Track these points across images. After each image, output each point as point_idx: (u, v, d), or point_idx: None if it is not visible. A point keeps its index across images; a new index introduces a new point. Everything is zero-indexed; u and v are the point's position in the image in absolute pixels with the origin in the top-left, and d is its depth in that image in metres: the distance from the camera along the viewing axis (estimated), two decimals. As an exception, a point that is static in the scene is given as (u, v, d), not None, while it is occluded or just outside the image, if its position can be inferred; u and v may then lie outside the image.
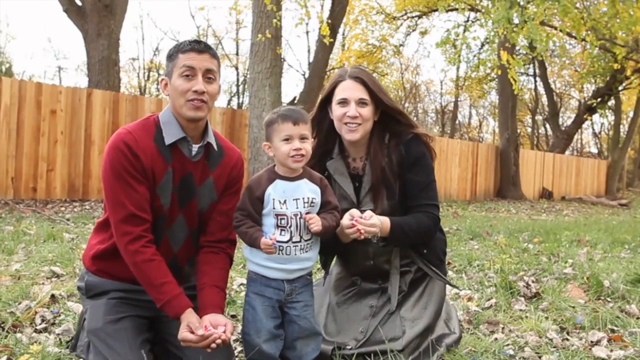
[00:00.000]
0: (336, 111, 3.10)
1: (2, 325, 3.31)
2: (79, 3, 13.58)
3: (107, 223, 2.76)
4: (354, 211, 2.87)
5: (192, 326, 2.53)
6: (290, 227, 2.66)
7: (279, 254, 2.66)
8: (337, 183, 3.15)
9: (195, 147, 2.76)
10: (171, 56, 2.69)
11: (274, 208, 2.65)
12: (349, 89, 3.07)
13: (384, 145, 3.15)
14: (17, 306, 3.67)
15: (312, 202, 2.69)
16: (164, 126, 2.72)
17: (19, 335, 3.17)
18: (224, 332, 2.53)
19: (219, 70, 2.77)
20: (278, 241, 2.63)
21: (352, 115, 3.03)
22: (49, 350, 2.90)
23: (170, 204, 2.74)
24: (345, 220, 2.83)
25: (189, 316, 2.57)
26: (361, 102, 3.06)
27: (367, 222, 2.80)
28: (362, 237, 2.80)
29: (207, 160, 2.81)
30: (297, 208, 2.67)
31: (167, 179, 2.70)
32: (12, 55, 34.99)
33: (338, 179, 3.16)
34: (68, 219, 8.62)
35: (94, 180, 11.91)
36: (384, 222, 2.93)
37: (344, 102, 3.07)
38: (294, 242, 2.67)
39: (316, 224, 2.63)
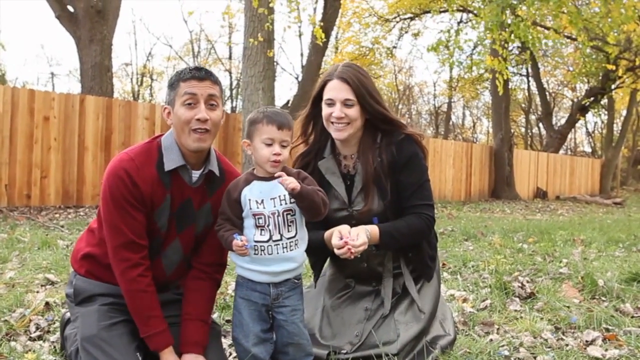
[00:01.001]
0: (324, 111, 3.13)
1: (-3, 333, 3.30)
2: (71, 9, 13.57)
3: (99, 229, 2.78)
4: (343, 228, 2.88)
5: None
6: (268, 225, 2.64)
7: (260, 254, 2.65)
8: (329, 183, 3.15)
9: (195, 174, 2.76)
10: (172, 85, 2.68)
11: (250, 208, 2.65)
12: (335, 90, 3.08)
13: (375, 145, 3.15)
14: (11, 314, 3.66)
15: (290, 200, 2.67)
16: (165, 152, 2.71)
17: (13, 343, 3.16)
18: None
19: (222, 96, 2.76)
20: (257, 241, 2.64)
21: (337, 116, 3.05)
22: (43, 358, 2.89)
23: (168, 229, 2.74)
24: (335, 240, 2.84)
25: (167, 355, 2.64)
26: (346, 103, 3.06)
27: (356, 243, 2.80)
28: (352, 257, 2.81)
29: (206, 185, 2.80)
30: (275, 207, 2.65)
31: (165, 205, 2.70)
32: (5, 62, 34.92)
33: (330, 179, 3.17)
34: (62, 226, 8.60)
35: (88, 186, 11.89)
36: (372, 231, 2.95)
37: (330, 102, 3.09)
38: (274, 241, 2.65)
39: (292, 182, 2.59)
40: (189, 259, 2.86)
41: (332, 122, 3.08)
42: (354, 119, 3.07)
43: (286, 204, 2.66)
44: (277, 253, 2.66)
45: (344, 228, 2.88)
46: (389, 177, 3.09)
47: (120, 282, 2.65)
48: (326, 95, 3.11)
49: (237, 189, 2.68)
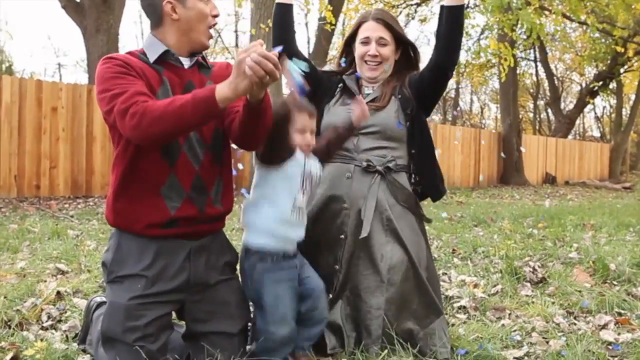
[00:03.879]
0: (358, 49, 3.26)
1: (9, 323, 3.31)
2: (77, -1, 13.57)
3: (120, 156, 2.61)
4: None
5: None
6: (306, 190, 2.71)
7: (296, 218, 2.68)
8: (347, 87, 3.28)
9: (185, 60, 2.67)
10: None
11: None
12: (370, 29, 3.22)
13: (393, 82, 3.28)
14: (23, 304, 3.67)
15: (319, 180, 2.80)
16: (147, 49, 2.63)
17: (25, 333, 3.17)
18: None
19: None
20: (298, 206, 2.68)
21: (372, 54, 3.20)
22: (55, 346, 2.90)
23: None
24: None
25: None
26: (381, 42, 3.20)
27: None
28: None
29: (200, 71, 2.72)
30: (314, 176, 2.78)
31: (164, 90, 2.57)
32: (12, 53, 34.92)
33: (348, 84, 3.29)
34: (72, 216, 8.62)
35: (97, 176, 11.91)
36: None
37: (366, 41, 3.22)
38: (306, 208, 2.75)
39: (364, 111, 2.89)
40: (215, 153, 2.70)
41: (366, 61, 3.22)
42: (386, 57, 3.22)
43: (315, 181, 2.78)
44: (304, 221, 2.74)
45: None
46: (408, 91, 3.20)
47: (132, 129, 2.36)
48: (361, 34, 3.25)
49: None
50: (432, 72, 3.14)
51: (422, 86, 3.16)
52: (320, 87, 3.26)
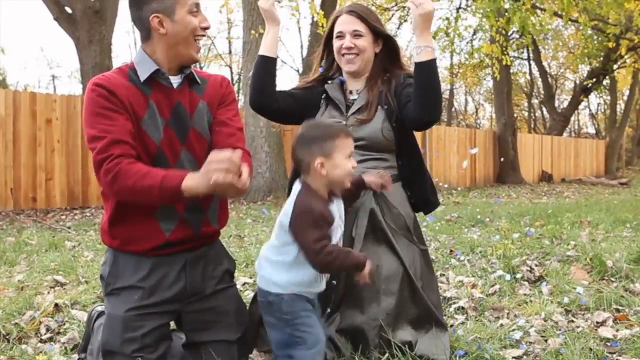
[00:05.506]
0: (335, 44, 3.19)
1: (7, 337, 3.30)
2: (69, 11, 13.55)
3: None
4: None
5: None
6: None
7: (322, 280, 2.56)
8: (329, 97, 3.20)
9: (175, 79, 2.65)
10: None
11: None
12: (344, 23, 3.16)
13: (384, 77, 3.20)
14: (21, 317, 3.66)
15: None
16: (137, 66, 2.60)
17: (24, 346, 3.17)
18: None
19: None
20: None
21: (347, 46, 3.11)
22: (54, 359, 2.90)
23: (167, 139, 2.59)
24: None
25: (189, 179, 2.35)
26: (355, 34, 3.12)
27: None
28: None
29: (191, 88, 2.69)
30: (341, 228, 2.58)
31: (151, 114, 2.56)
32: (6, 66, 34.95)
33: (332, 94, 3.20)
34: (69, 227, 8.62)
35: (93, 187, 11.89)
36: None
37: (340, 35, 3.16)
38: None
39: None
40: None
41: (343, 54, 3.15)
42: (363, 49, 3.13)
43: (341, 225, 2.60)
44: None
45: None
46: (393, 101, 3.10)
47: (105, 184, 2.44)
48: (336, 29, 3.18)
49: (324, 204, 2.45)
50: (413, 123, 3.01)
51: (404, 119, 3.04)
52: (306, 107, 3.18)
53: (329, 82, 3.29)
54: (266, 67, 3.09)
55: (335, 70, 3.31)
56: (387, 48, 3.25)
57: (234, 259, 2.95)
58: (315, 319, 2.52)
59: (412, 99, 2.93)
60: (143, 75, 2.58)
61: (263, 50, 3.09)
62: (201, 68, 34.29)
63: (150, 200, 2.45)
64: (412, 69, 3.09)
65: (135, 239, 2.62)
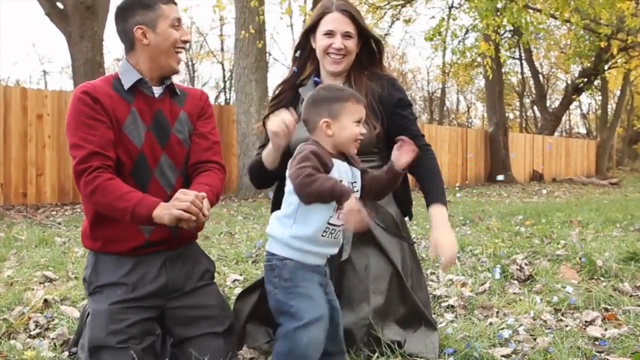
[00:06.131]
0: (321, 41, 3.08)
1: (-4, 332, 3.30)
2: (61, 6, 13.50)
3: None
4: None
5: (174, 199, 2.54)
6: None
7: (327, 237, 2.42)
8: None
9: (157, 89, 2.79)
10: (148, 5, 2.68)
11: None
12: (335, 21, 3.05)
13: (365, 77, 3.15)
14: (10, 313, 3.65)
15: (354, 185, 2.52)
16: (121, 76, 2.74)
17: (12, 341, 3.16)
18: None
19: None
20: (331, 224, 2.41)
21: (337, 47, 3.03)
22: (43, 355, 2.89)
23: (149, 144, 2.73)
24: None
25: (160, 209, 2.53)
26: (347, 35, 3.05)
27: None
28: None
29: (172, 99, 2.83)
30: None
31: (132, 119, 2.70)
32: (-4, 61, 34.82)
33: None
34: (59, 223, 8.59)
35: (84, 183, 11.82)
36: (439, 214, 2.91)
37: (330, 33, 3.05)
38: (340, 227, 2.46)
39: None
40: (187, 178, 2.84)
41: (330, 54, 3.06)
42: (351, 51, 3.07)
43: (357, 190, 2.53)
44: (338, 238, 2.50)
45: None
46: (379, 107, 3.06)
47: (84, 191, 2.59)
48: (325, 26, 3.06)
49: (327, 157, 2.38)
50: None
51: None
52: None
53: (303, 85, 3.20)
54: (263, 172, 3.06)
55: (310, 70, 3.23)
56: (368, 48, 3.20)
57: (212, 260, 3.04)
58: (318, 293, 2.43)
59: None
60: (127, 84, 2.72)
61: (263, 158, 3.02)
62: (193, 65, 34.31)
63: (123, 220, 2.60)
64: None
65: (116, 240, 2.72)
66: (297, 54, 3.23)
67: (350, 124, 2.45)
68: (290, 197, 2.42)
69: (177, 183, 2.80)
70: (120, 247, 2.73)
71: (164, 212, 2.50)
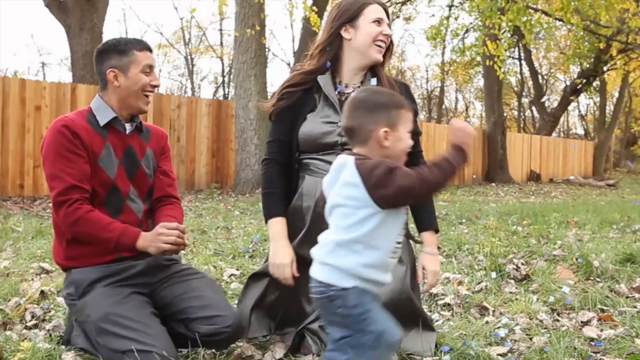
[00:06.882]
0: (370, 28, 3.00)
1: (-8, 323, 3.29)
2: (61, -3, 13.48)
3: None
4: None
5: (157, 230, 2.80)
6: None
7: (393, 259, 2.19)
8: (324, 97, 3.04)
9: (128, 125, 3.02)
10: (123, 51, 2.92)
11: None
12: (379, 12, 3.04)
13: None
14: (6, 304, 3.66)
15: None
16: (96, 112, 2.96)
17: (9, 332, 3.16)
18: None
19: None
20: (399, 242, 2.18)
21: (388, 33, 3.02)
22: (39, 346, 2.89)
23: (120, 175, 2.95)
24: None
25: (145, 234, 2.81)
26: (388, 26, 3.07)
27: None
28: None
29: (140, 136, 3.08)
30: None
31: (107, 153, 2.91)
32: (-5, 52, 34.75)
33: (326, 91, 3.04)
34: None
35: (81, 175, 11.81)
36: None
37: (379, 21, 3.02)
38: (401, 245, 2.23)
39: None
40: (150, 206, 3.11)
41: (379, 41, 3.02)
42: (390, 42, 3.11)
43: None
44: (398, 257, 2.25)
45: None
46: None
47: (65, 223, 2.79)
48: (373, 14, 3.02)
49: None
50: None
51: None
52: (300, 112, 3.05)
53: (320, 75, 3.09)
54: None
55: (324, 68, 3.11)
56: None
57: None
58: (385, 314, 2.15)
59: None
60: (102, 121, 2.94)
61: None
62: (192, 60, 34.25)
63: (106, 248, 2.83)
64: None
65: (91, 255, 2.89)
66: (328, 48, 3.11)
67: (405, 134, 2.18)
68: (359, 221, 2.11)
69: (145, 207, 3.07)
70: (95, 260, 2.88)
71: (150, 244, 2.78)
